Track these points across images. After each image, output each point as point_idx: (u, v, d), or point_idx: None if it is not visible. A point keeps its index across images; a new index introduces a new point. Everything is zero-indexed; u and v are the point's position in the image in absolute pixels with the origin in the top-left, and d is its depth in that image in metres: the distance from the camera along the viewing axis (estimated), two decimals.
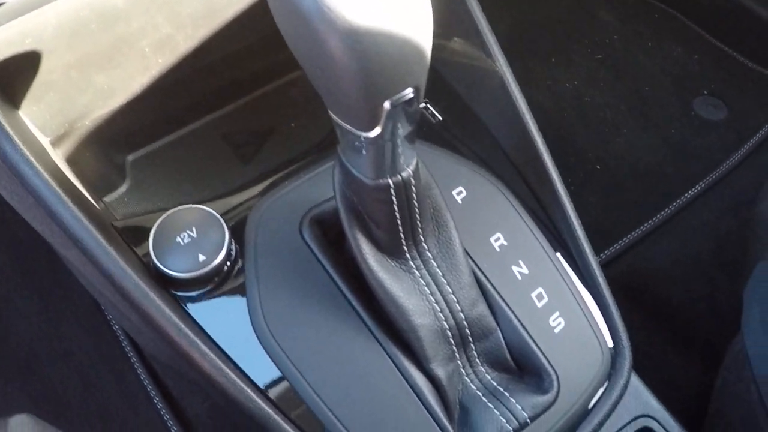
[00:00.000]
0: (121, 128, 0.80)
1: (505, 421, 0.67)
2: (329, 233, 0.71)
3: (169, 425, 1.02)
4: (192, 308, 0.68)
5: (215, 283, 0.69)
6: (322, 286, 0.68)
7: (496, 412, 0.68)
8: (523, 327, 0.70)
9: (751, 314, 0.82)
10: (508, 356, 0.70)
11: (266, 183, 0.77)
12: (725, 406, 0.87)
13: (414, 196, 0.60)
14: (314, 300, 0.68)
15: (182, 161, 0.81)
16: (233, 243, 0.69)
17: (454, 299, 0.68)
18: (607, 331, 0.74)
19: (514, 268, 0.72)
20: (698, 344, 0.98)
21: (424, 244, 0.66)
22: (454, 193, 0.74)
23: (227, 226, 0.69)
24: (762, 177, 1.18)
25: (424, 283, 0.67)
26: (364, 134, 0.53)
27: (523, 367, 0.71)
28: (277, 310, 0.67)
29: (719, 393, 0.87)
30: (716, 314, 1.02)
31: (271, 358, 0.66)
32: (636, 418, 0.77)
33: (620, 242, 1.17)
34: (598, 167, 1.24)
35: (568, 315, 0.72)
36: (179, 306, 0.67)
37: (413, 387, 0.66)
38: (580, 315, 0.73)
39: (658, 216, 1.19)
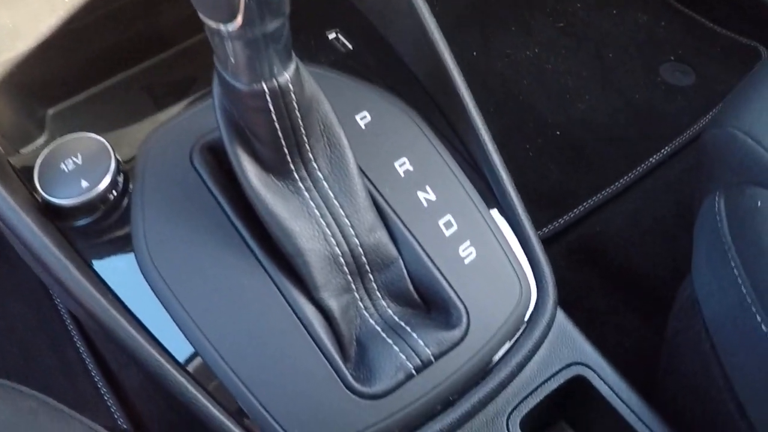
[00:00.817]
0: (37, 77, 0.76)
1: (405, 357, 0.61)
2: (225, 162, 0.65)
3: (105, 398, 0.99)
4: (77, 239, 0.64)
5: (101, 212, 0.65)
6: (211, 215, 0.63)
7: (395, 348, 0.61)
8: (428, 256, 0.64)
9: (698, 254, 0.75)
10: (411, 288, 0.64)
11: (163, 114, 0.72)
12: (676, 358, 0.79)
13: (295, 106, 0.56)
14: (201, 229, 0.63)
15: (104, 116, 0.76)
16: (121, 171, 0.65)
17: (348, 223, 0.62)
18: (529, 267, 0.68)
19: (420, 194, 0.66)
20: (659, 305, 0.91)
21: (314, 164, 0.61)
22: (357, 117, 0.69)
23: (115, 153, 0.65)
24: None
25: (314, 206, 0.61)
26: (225, 26, 0.49)
27: (429, 301, 0.64)
28: (162, 241, 0.63)
29: (670, 344, 0.80)
30: (678, 275, 0.95)
31: (153, 290, 0.62)
32: (568, 366, 0.70)
33: (580, 207, 1.11)
34: (558, 133, 1.18)
35: (480, 245, 0.66)
36: (62, 237, 0.63)
37: (301, 319, 0.60)
38: (494, 245, 0.66)
39: (621, 180, 1.13)
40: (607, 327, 1.00)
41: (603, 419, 0.71)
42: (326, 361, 0.60)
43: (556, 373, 0.70)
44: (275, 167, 0.60)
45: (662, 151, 1.16)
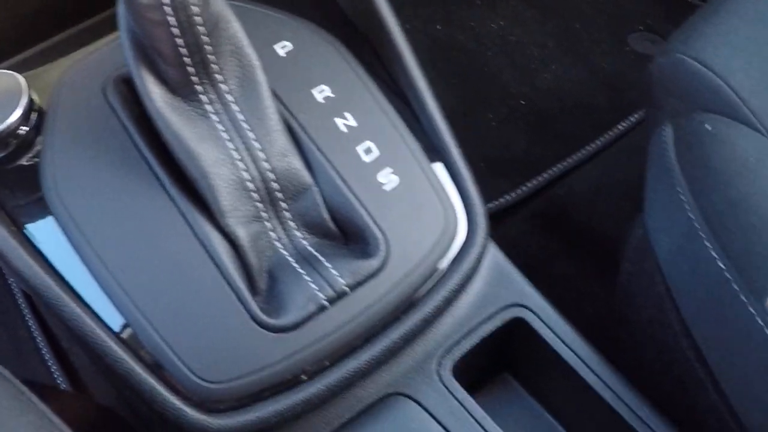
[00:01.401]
0: None
1: (316, 288, 0.56)
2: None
3: (55, 375, 0.96)
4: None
5: (13, 148, 0.61)
6: (120, 147, 0.60)
7: (306, 278, 0.57)
8: (345, 182, 0.59)
9: (649, 190, 0.70)
10: (327, 217, 0.59)
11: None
12: (630, 307, 0.74)
13: (197, 20, 0.53)
14: (109, 160, 0.59)
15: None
16: (35, 110, 0.62)
17: (257, 146, 0.58)
18: (459, 199, 0.63)
19: (338, 120, 0.62)
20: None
21: (222, 86, 0.58)
22: (276, 46, 0.65)
23: (30, 89, 0.61)
24: None
25: (222, 129, 0.58)
26: None
27: (346, 231, 0.60)
28: (70, 175, 0.59)
29: (624, 290, 0.75)
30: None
31: (60, 225, 0.58)
32: (506, 308, 0.65)
33: (545, 174, 1.06)
34: (523, 102, 1.14)
35: (402, 172, 0.61)
36: None
37: (206, 247, 0.56)
38: (417, 173, 0.62)
39: (587, 147, 1.08)
40: (570, 293, 0.95)
41: (547, 367, 0.66)
42: (232, 292, 0.56)
43: (493, 315, 0.65)
44: (181, 89, 0.57)
45: (630, 118, 1.12)
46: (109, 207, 0.58)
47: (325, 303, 0.57)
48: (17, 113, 0.60)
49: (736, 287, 0.57)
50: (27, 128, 0.61)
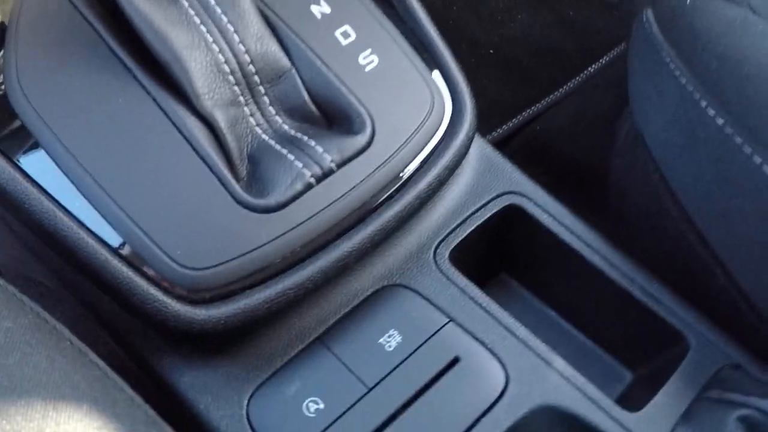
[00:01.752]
0: None
1: (301, 166, 0.53)
2: None
3: None
4: None
5: None
6: (88, 43, 0.56)
7: (290, 157, 0.53)
8: (324, 64, 0.56)
9: (633, 77, 0.68)
10: (308, 99, 0.57)
11: None
12: (625, 204, 0.71)
13: None
14: (78, 59, 0.55)
15: None
16: None
17: (232, 29, 0.55)
18: (443, 82, 0.61)
19: (314, 7, 0.59)
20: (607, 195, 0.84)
21: None
22: None
23: None
24: None
25: (193, 13, 0.55)
26: None
27: (328, 113, 0.57)
28: (33, 72, 0.55)
29: (617, 188, 0.72)
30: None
31: (24, 123, 0.54)
32: (499, 195, 0.62)
33: (521, 115, 1.04)
34: (491, 51, 1.12)
35: (382, 53, 0.59)
36: None
37: (181, 130, 0.53)
38: (398, 53, 0.59)
39: (559, 91, 1.07)
40: None
41: (546, 255, 0.63)
42: (212, 174, 0.52)
43: (487, 203, 0.62)
44: None
45: (600, 60, 1.11)
46: (79, 99, 0.54)
47: (312, 181, 0.53)
48: None
49: (738, 140, 0.55)
50: None
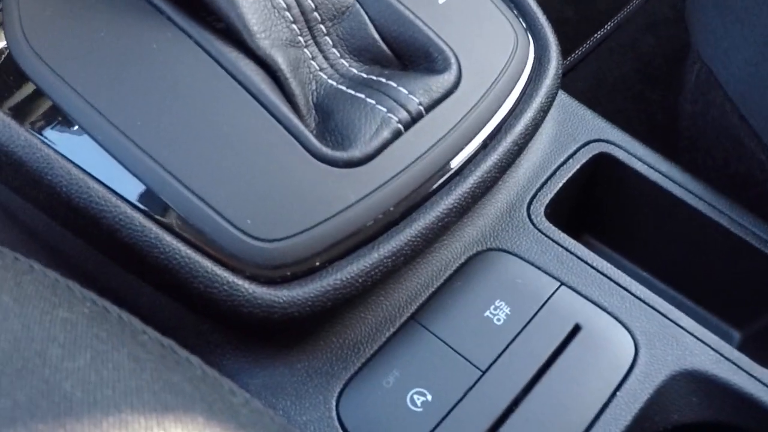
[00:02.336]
0: None
1: (386, 111, 0.44)
2: None
3: None
4: None
5: None
6: None
7: (371, 101, 0.44)
8: None
9: (698, 24, 0.62)
10: (377, 36, 0.48)
11: None
12: (698, 151, 0.65)
13: None
14: (95, 4, 0.45)
15: None
16: None
17: None
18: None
19: None
20: None
21: None
22: None
23: None
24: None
25: None
26: None
27: (402, 52, 0.48)
28: (43, 22, 0.45)
29: (688, 141, 0.66)
30: (652, 124, 0.83)
31: (39, 86, 0.43)
32: (586, 144, 0.54)
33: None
34: None
35: None
36: None
37: (234, 74, 0.43)
38: None
39: (573, 56, 1.01)
40: None
41: (640, 208, 0.56)
42: (278, 124, 0.42)
43: (574, 153, 0.54)
44: None
45: (605, 27, 1.06)
46: (104, 54, 0.43)
47: (400, 128, 0.44)
48: None
49: None
50: None
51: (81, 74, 0.43)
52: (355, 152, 0.43)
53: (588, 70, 0.96)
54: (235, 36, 0.44)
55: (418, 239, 0.44)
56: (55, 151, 0.42)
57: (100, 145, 0.42)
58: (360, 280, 0.43)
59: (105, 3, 0.45)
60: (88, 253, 0.45)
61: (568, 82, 0.97)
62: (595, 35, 1.05)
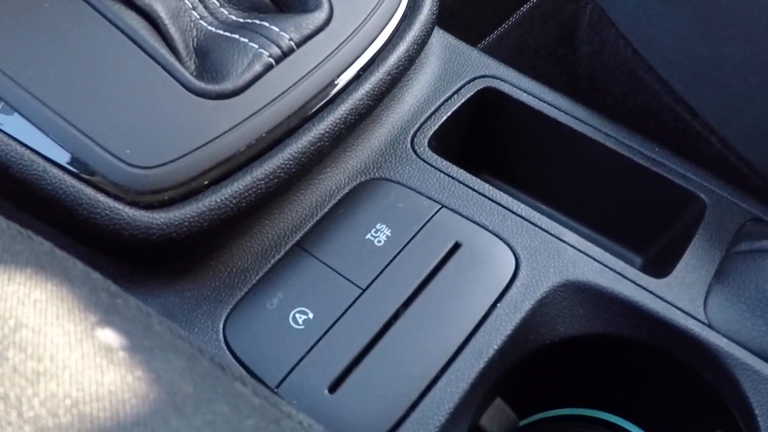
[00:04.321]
0: None
1: (258, 47, 0.46)
2: None
3: None
4: None
5: None
6: None
7: (244, 40, 0.46)
8: None
9: None
10: None
11: None
12: (598, 90, 0.66)
13: None
14: None
15: None
16: None
17: None
18: None
19: None
20: None
21: None
22: None
23: None
24: None
25: None
26: None
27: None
28: None
29: (587, 79, 0.67)
30: (574, 86, 0.85)
31: None
32: (472, 80, 0.56)
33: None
34: None
35: None
36: None
37: (115, 22, 0.45)
38: None
39: (496, 31, 1.03)
40: None
41: (531, 140, 0.57)
42: (155, 63, 0.45)
43: (459, 89, 0.56)
44: None
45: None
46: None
47: (271, 61, 0.46)
48: None
49: None
50: None
51: None
52: (227, 84, 0.45)
53: (512, 40, 0.98)
54: None
55: (290, 162, 0.46)
56: None
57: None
58: (234, 202, 0.44)
59: None
60: None
61: (490, 52, 0.99)
62: (522, 9, 1.07)
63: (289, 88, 0.46)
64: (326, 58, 0.48)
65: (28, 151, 0.43)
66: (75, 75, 0.44)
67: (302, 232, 0.48)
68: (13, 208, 0.46)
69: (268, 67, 0.46)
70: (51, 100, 0.43)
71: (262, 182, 0.45)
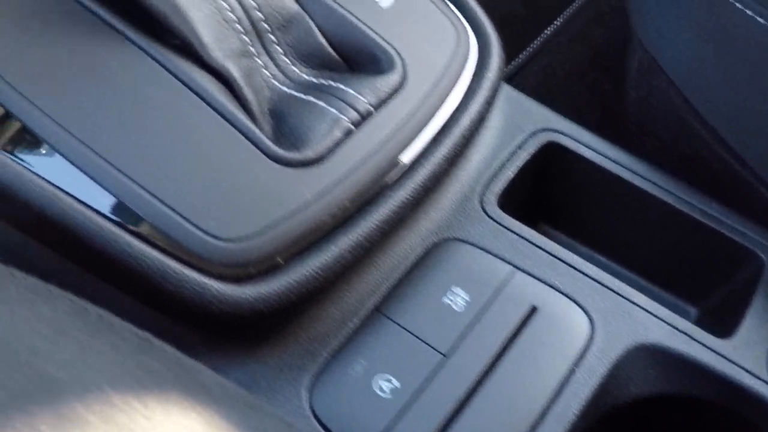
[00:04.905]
0: None
1: (336, 111, 0.46)
2: None
3: None
4: None
5: None
6: (55, 6, 0.47)
7: (321, 103, 0.46)
8: (336, 2, 0.50)
9: (643, 5, 0.64)
10: (324, 42, 0.50)
11: None
12: (647, 136, 0.68)
13: None
14: (47, 23, 0.46)
15: None
16: None
17: None
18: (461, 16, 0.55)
19: None
20: None
21: None
22: None
23: None
24: None
25: None
26: None
27: (349, 56, 0.50)
28: (2, 45, 0.45)
29: (636, 125, 0.68)
30: (604, 113, 0.85)
31: (7, 108, 0.44)
32: (535, 134, 0.57)
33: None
34: None
35: None
36: None
37: (190, 84, 0.45)
38: None
39: (521, 55, 1.03)
40: None
41: (590, 193, 0.58)
42: (234, 129, 0.44)
43: (524, 142, 0.56)
44: None
45: (554, 23, 1.09)
46: (62, 70, 0.45)
47: (351, 127, 0.46)
48: None
49: None
50: None
51: (47, 95, 0.44)
52: (308, 152, 0.45)
53: (539, 65, 0.99)
54: (189, 50, 0.46)
55: (375, 232, 0.46)
56: (27, 168, 0.43)
57: (70, 161, 0.43)
58: (322, 275, 0.44)
59: (63, 25, 0.46)
60: (63, 265, 0.46)
61: (519, 78, 1.00)
62: (546, 31, 1.08)
63: (370, 154, 0.46)
64: (404, 121, 0.48)
65: (110, 224, 0.42)
66: (151, 142, 0.44)
67: (379, 296, 0.49)
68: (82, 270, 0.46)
69: (348, 133, 0.46)
70: (129, 170, 0.43)
71: (348, 253, 0.45)
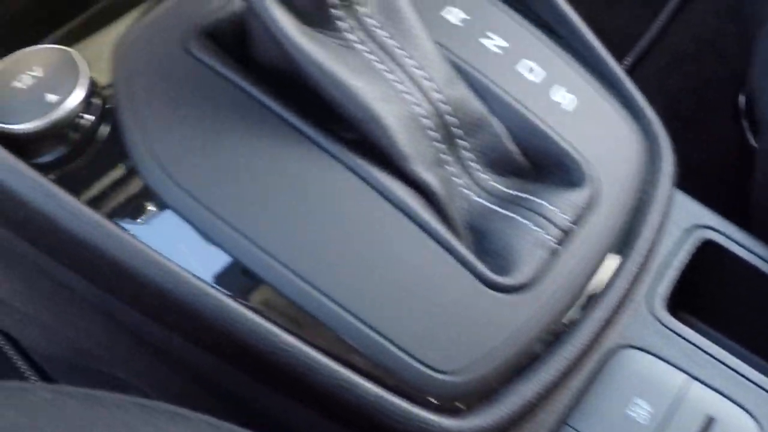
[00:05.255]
0: None
1: (541, 231, 0.45)
2: (232, 45, 0.48)
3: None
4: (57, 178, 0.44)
5: (77, 141, 0.45)
6: (234, 104, 0.45)
7: (522, 220, 0.46)
8: (521, 104, 0.49)
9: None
10: (513, 148, 0.49)
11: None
12: None
13: None
14: (222, 122, 0.45)
15: None
16: (93, 87, 0.46)
17: (423, 75, 0.47)
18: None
19: (485, 41, 0.52)
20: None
21: (361, 8, 0.46)
22: None
23: (83, 63, 0.46)
24: (695, 30, 1.05)
25: (375, 59, 0.46)
26: None
27: (537, 162, 0.50)
28: (175, 150, 0.44)
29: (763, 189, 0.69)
30: (691, 169, 0.87)
31: (181, 215, 0.43)
32: (689, 231, 0.57)
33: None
34: None
35: (577, 90, 0.52)
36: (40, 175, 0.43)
37: (392, 200, 0.44)
38: (592, 91, 0.53)
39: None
40: None
41: (742, 291, 0.59)
42: (443, 250, 0.44)
43: (680, 241, 0.57)
44: (315, 18, 0.45)
45: (623, 62, 1.09)
46: (246, 177, 0.44)
47: (556, 246, 0.46)
48: (77, 96, 0.44)
49: None
50: (90, 118, 0.45)
51: (231, 205, 0.43)
52: (519, 276, 0.45)
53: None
54: (383, 156, 0.45)
55: (580, 353, 0.46)
56: (245, 305, 0.42)
57: (281, 292, 0.42)
58: (535, 401, 0.45)
59: (239, 128, 0.45)
60: (248, 385, 0.45)
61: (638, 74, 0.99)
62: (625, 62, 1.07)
63: (573, 274, 0.46)
64: (601, 237, 0.48)
65: (324, 357, 0.41)
66: (351, 257, 0.43)
67: (562, 406, 0.49)
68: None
69: (554, 253, 0.46)
70: (342, 298, 0.42)
71: (559, 378, 0.45)
